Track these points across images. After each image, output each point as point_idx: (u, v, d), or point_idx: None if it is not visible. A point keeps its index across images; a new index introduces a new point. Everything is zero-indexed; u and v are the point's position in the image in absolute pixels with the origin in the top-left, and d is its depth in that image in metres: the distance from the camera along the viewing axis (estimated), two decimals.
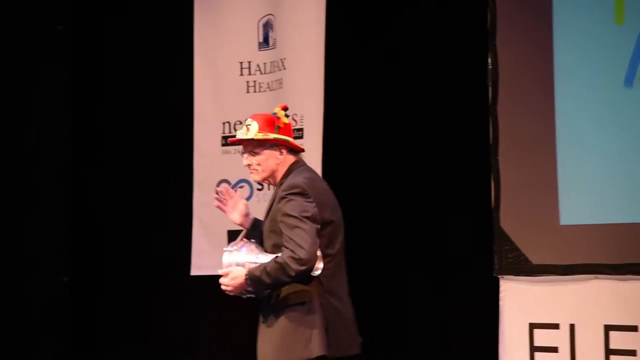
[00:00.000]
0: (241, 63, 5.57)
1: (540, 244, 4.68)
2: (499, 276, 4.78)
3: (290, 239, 3.61)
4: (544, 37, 4.69)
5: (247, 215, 3.91)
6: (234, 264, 3.69)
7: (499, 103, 4.82)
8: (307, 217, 3.65)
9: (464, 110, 5.05)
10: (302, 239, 3.59)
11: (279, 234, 3.69)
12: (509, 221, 4.76)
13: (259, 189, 5.51)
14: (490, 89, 4.83)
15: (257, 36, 5.56)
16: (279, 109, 3.82)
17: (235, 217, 3.90)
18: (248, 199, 5.50)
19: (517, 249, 4.73)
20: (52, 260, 6.19)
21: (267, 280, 3.61)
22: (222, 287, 3.70)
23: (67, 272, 6.22)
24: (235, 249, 3.72)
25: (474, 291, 4.94)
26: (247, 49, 5.56)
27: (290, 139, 3.84)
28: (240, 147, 3.90)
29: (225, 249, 3.74)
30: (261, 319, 3.77)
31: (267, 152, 3.78)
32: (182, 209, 5.71)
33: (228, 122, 5.59)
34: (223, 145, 5.59)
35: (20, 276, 6.14)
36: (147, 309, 6.04)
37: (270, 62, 5.49)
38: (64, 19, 6.32)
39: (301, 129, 5.37)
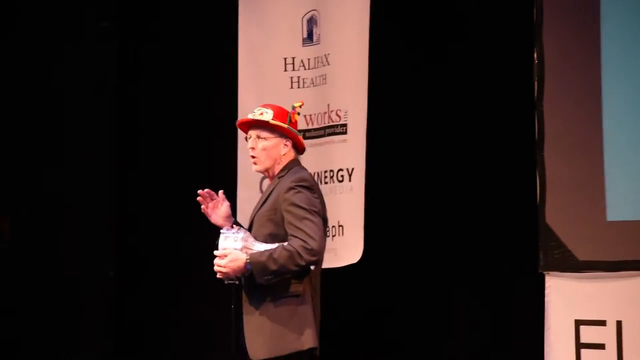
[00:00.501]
0: (285, 59, 5.58)
1: (586, 240, 4.64)
2: (544, 272, 4.75)
3: (300, 229, 3.59)
4: (592, 31, 4.65)
5: (228, 217, 3.84)
6: (231, 248, 3.62)
7: (544, 98, 4.78)
8: (315, 212, 3.64)
9: (510, 106, 5.02)
10: (312, 231, 3.58)
11: (279, 223, 3.66)
12: (554, 217, 4.73)
13: None
14: (536, 84, 4.80)
15: (301, 32, 5.57)
16: (298, 104, 3.82)
17: (216, 219, 3.83)
18: None
19: (563, 245, 4.70)
20: (100, 255, 6.27)
21: (272, 266, 3.55)
22: (217, 268, 3.62)
23: (113, 267, 6.29)
24: (233, 233, 3.65)
25: (519, 288, 4.92)
26: (291, 45, 5.57)
27: (300, 136, 3.83)
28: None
29: (222, 231, 3.67)
30: (247, 308, 3.67)
31: (275, 140, 3.76)
32: None
33: None
34: None
35: (68, 271, 6.24)
36: (192, 302, 6.08)
37: (315, 58, 5.49)
38: (109, 16, 6.38)
39: (345, 125, 5.37)
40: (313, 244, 3.57)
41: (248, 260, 3.58)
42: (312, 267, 3.66)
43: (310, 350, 3.65)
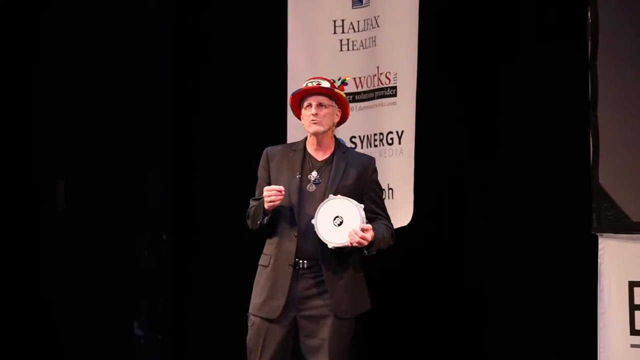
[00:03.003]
0: (335, 21, 5.56)
1: None
2: (597, 234, 4.72)
3: (385, 210, 4.13)
4: None
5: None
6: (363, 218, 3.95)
7: (598, 58, 4.71)
8: None
9: (563, 65, 4.96)
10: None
11: (358, 196, 4.03)
12: (608, 178, 4.68)
13: (352, 147, 5.50)
14: (589, 43, 4.73)
15: None
16: (346, 79, 4.25)
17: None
18: None
19: (616, 206, 4.65)
20: (154, 219, 6.36)
21: (382, 244, 4.02)
22: (361, 240, 3.92)
23: (166, 230, 6.38)
24: (356, 203, 3.96)
25: (572, 249, 4.89)
26: (341, 7, 5.55)
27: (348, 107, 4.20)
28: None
29: (352, 202, 3.95)
30: (330, 275, 3.98)
31: (332, 109, 4.12)
32: None
33: None
34: None
35: (122, 234, 6.34)
36: (243, 270, 6.13)
37: (364, 20, 5.46)
38: None
39: (394, 87, 5.34)
40: None
41: (374, 237, 3.97)
42: None
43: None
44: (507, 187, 5.20)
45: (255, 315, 4.06)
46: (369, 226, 3.95)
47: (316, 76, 4.23)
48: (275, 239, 4.07)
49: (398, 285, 5.49)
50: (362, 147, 5.48)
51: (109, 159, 6.41)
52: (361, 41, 5.48)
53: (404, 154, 5.28)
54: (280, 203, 4.03)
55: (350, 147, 5.16)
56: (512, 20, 5.21)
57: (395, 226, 5.21)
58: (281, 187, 3.99)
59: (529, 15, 5.14)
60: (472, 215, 5.32)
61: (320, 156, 4.12)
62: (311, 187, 4.09)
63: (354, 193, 4.01)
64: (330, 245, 3.91)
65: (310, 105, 4.12)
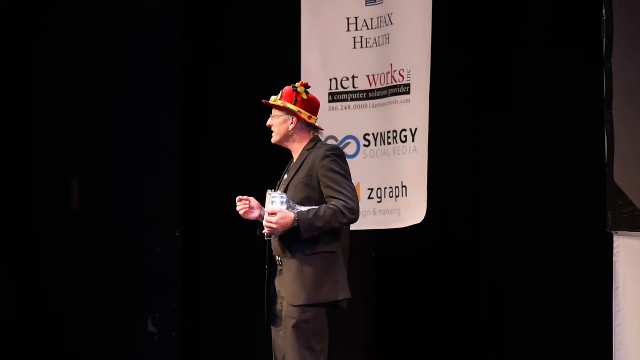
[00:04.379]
0: (348, 19, 5.54)
1: None
2: (612, 232, 4.71)
3: (340, 192, 3.98)
4: None
5: (260, 207, 4.14)
6: (278, 208, 3.92)
7: (613, 55, 4.70)
8: (350, 178, 4.03)
9: (578, 63, 4.95)
10: (351, 194, 3.98)
11: (315, 188, 4.01)
12: (623, 176, 4.67)
13: (365, 145, 5.51)
14: (604, 40, 4.72)
15: None
16: (300, 85, 4.14)
17: (257, 213, 4.12)
18: (354, 155, 5.52)
19: (631, 204, 4.64)
20: (167, 216, 6.38)
21: (318, 223, 3.92)
22: (267, 224, 3.92)
23: (179, 228, 6.40)
24: (279, 196, 3.96)
25: (587, 248, 4.88)
26: (354, 5, 5.52)
27: (303, 112, 4.13)
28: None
29: (270, 193, 3.97)
30: (286, 262, 3.97)
31: (282, 118, 4.13)
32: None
33: (335, 78, 5.58)
34: (330, 101, 5.59)
35: (137, 232, 6.36)
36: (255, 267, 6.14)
37: (378, 18, 5.44)
38: None
39: (408, 85, 5.33)
40: (353, 205, 3.96)
41: (296, 218, 3.92)
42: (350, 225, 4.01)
43: (346, 300, 3.99)
44: (521, 185, 5.20)
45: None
46: (275, 209, 3.94)
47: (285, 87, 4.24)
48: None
49: (412, 281, 5.49)
50: (375, 145, 5.47)
51: (122, 156, 6.42)
52: (375, 39, 5.47)
53: (417, 152, 5.26)
54: None
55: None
56: (526, 17, 5.19)
57: (409, 223, 5.25)
58: (239, 197, 4.11)
59: (544, 13, 5.12)
60: (486, 213, 5.32)
61: (296, 158, 4.20)
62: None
63: (309, 184, 4.03)
64: (266, 238, 4.02)
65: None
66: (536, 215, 5.15)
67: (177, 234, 6.35)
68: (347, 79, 5.54)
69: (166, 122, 6.38)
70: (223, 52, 6.31)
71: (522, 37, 5.19)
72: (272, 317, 4.05)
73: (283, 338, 3.97)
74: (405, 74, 5.33)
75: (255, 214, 4.11)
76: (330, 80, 5.60)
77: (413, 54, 5.28)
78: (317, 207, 3.96)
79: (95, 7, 6.48)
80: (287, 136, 4.15)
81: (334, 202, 3.96)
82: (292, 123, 4.14)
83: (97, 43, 6.47)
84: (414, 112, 5.30)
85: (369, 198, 5.44)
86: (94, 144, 6.50)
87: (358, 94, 5.52)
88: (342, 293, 3.99)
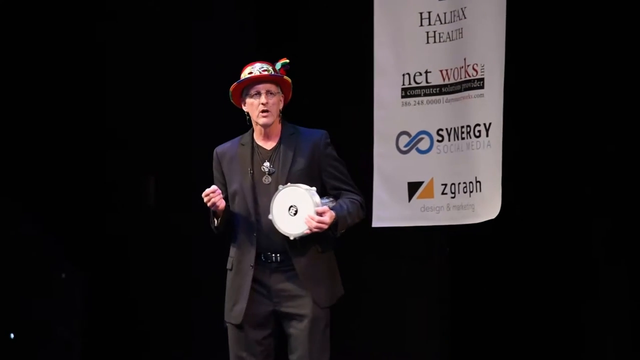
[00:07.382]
0: (421, 13, 5.53)
1: None
2: None
3: (350, 184, 3.91)
4: None
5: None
6: (323, 207, 3.80)
7: None
8: None
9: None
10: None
11: (315, 178, 3.85)
12: None
13: (439, 140, 5.49)
14: None
15: None
16: (287, 61, 3.97)
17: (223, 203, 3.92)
18: (428, 150, 5.51)
19: None
20: None
21: (349, 220, 3.82)
22: (319, 225, 3.74)
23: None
24: (307, 189, 3.80)
25: None
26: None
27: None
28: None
29: (304, 187, 3.81)
30: (299, 260, 3.82)
31: (278, 96, 3.93)
32: (362, 161, 5.75)
33: (408, 73, 5.57)
34: (403, 97, 5.58)
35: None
36: None
37: (451, 12, 5.42)
38: None
39: (482, 79, 5.30)
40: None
41: (336, 217, 3.80)
42: None
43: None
44: (596, 180, 5.11)
45: (227, 322, 3.96)
46: (325, 208, 3.75)
47: (255, 61, 4.00)
48: (237, 241, 3.95)
49: (486, 277, 5.45)
50: (449, 140, 5.44)
51: (201, 153, 6.45)
52: (448, 33, 5.45)
53: (491, 147, 5.23)
54: (236, 202, 3.93)
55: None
56: (606, 13, 5.11)
57: (484, 219, 5.22)
58: (213, 187, 3.85)
59: (627, 10, 5.03)
60: (562, 208, 5.24)
61: (269, 145, 3.94)
62: (267, 179, 3.91)
63: (309, 175, 3.85)
64: (292, 237, 3.79)
65: (258, 93, 3.91)
66: (612, 213, 5.06)
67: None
68: (420, 74, 5.52)
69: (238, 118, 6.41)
70: (295, 51, 6.32)
71: (599, 32, 5.11)
72: (253, 319, 3.84)
73: (302, 338, 3.79)
74: (478, 68, 5.31)
75: (223, 203, 3.88)
76: (403, 75, 5.59)
77: (487, 48, 5.26)
78: (340, 200, 3.84)
79: (173, 12, 6.56)
80: (276, 118, 3.94)
81: (351, 195, 3.85)
82: (281, 102, 3.94)
83: (177, 43, 6.54)
84: (488, 106, 5.27)
85: (443, 193, 5.42)
86: (170, 141, 6.51)
87: (431, 89, 5.51)
88: (342, 289, 4.02)
